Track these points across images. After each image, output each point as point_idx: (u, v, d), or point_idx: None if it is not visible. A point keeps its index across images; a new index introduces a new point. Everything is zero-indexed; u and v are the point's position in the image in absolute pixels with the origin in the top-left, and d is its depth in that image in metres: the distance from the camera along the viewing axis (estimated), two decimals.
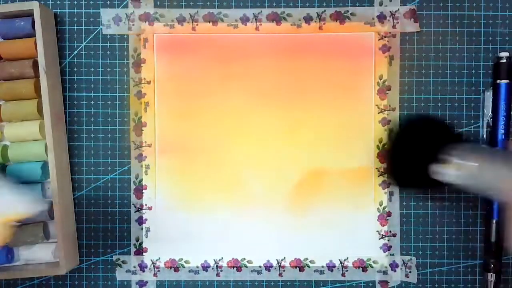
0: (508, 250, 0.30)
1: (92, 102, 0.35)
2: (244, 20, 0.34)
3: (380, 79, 0.34)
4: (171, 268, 0.35)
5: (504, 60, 0.33)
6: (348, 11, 0.34)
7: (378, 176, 0.34)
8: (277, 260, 0.35)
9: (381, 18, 0.34)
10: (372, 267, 0.35)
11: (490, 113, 0.33)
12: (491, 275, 0.33)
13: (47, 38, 0.33)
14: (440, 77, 0.34)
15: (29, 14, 0.32)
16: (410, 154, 0.30)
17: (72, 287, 0.35)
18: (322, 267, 0.35)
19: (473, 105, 0.34)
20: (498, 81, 0.33)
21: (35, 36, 0.32)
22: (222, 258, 0.35)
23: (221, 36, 0.34)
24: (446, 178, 0.28)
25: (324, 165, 0.35)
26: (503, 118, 0.33)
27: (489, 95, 0.33)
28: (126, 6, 0.34)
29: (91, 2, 0.35)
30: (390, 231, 0.35)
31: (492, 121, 0.33)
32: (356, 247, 0.35)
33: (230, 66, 0.34)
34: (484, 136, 0.34)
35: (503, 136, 0.33)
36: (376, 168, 0.34)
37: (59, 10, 0.35)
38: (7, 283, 0.35)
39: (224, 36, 0.34)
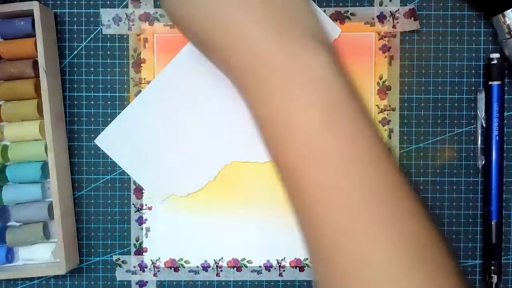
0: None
1: (92, 102, 0.35)
2: None
3: (380, 79, 0.34)
4: (171, 268, 0.35)
5: (495, 62, 0.33)
6: (348, 11, 0.34)
7: None
8: (277, 260, 0.35)
9: (381, 18, 0.34)
10: None
11: (484, 114, 0.33)
12: (493, 276, 0.33)
13: (47, 38, 0.33)
14: (440, 77, 0.34)
15: (29, 14, 0.32)
16: None
17: (72, 287, 0.35)
18: None
19: (472, 105, 0.34)
20: (490, 83, 0.33)
21: (35, 36, 0.32)
22: (222, 258, 0.35)
23: None
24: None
25: None
26: (496, 120, 0.33)
27: (481, 96, 0.33)
28: (126, 6, 0.34)
29: (91, 2, 0.35)
30: None
31: (486, 123, 0.33)
32: None
33: None
34: (479, 137, 0.34)
35: (497, 137, 0.33)
36: None
37: (59, 10, 0.35)
38: (7, 283, 0.35)
39: None
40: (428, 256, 0.25)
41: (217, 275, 0.35)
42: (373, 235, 0.25)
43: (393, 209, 0.25)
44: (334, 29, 0.34)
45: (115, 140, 0.34)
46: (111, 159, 0.35)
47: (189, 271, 0.35)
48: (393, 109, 0.34)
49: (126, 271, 0.35)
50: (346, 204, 0.25)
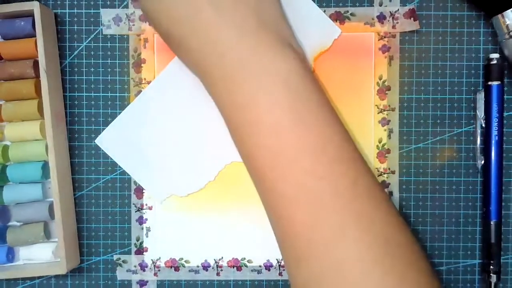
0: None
1: (92, 102, 0.35)
2: None
3: (380, 79, 0.34)
4: (171, 267, 0.35)
5: (495, 62, 0.33)
6: (348, 11, 0.34)
7: (378, 176, 0.35)
8: (277, 259, 0.35)
9: (381, 18, 0.34)
10: None
11: (483, 114, 0.33)
12: (492, 276, 0.33)
13: (48, 38, 0.33)
14: (440, 77, 0.34)
15: (29, 14, 0.32)
16: None
17: (72, 287, 0.36)
18: None
19: (472, 105, 0.34)
20: (489, 83, 0.33)
21: (35, 36, 0.32)
22: (222, 257, 0.35)
23: None
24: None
25: None
26: (496, 120, 0.33)
27: (481, 96, 0.33)
28: (126, 6, 0.34)
29: (91, 2, 0.35)
30: None
31: (485, 123, 0.33)
32: None
33: None
34: (479, 137, 0.34)
35: (497, 137, 0.33)
36: (376, 168, 0.35)
37: (59, 10, 0.35)
38: (8, 282, 0.35)
39: None
40: (398, 255, 0.25)
41: (217, 274, 0.35)
42: (343, 235, 0.25)
43: (362, 209, 0.26)
44: (334, 29, 0.34)
45: (115, 140, 0.35)
46: (111, 159, 0.35)
47: (190, 271, 0.35)
48: (393, 109, 0.34)
49: (127, 271, 0.35)
50: (316, 204, 0.25)
